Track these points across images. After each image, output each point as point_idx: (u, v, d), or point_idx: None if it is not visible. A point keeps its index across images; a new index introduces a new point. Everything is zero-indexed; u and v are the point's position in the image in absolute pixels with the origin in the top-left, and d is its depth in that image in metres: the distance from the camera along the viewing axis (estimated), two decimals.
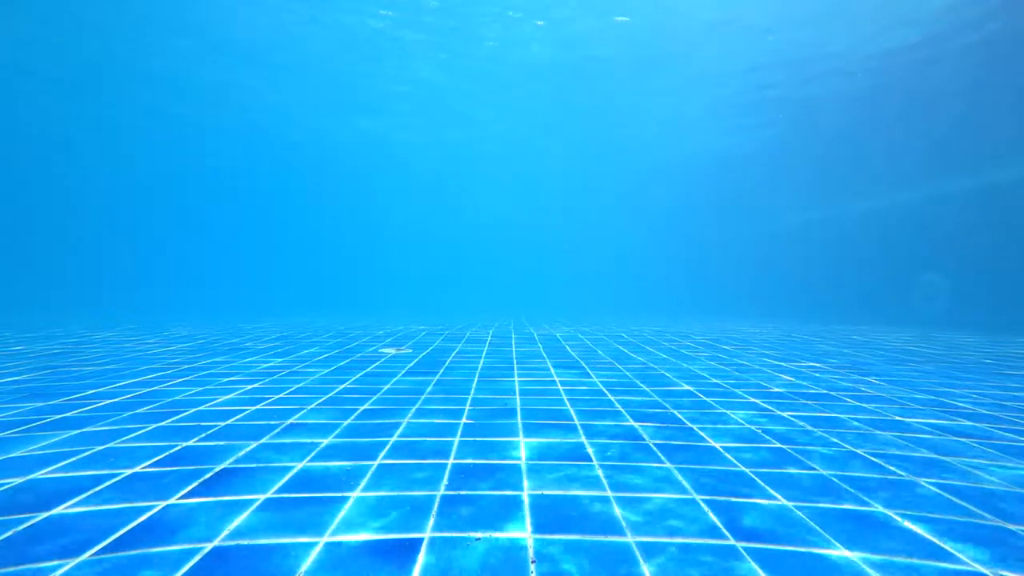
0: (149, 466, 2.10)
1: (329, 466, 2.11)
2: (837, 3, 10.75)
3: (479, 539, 1.50)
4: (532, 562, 1.38)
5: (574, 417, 2.92)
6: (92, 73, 14.71)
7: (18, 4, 11.20)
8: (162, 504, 1.74)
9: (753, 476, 2.03)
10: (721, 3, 11.11)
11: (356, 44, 13.22)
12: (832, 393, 3.65)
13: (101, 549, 1.44)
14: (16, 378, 4.06)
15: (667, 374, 4.42)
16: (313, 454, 2.26)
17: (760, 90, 15.10)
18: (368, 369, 4.61)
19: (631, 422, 2.82)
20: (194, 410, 3.04)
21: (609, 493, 1.85)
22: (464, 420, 2.85)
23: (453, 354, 5.69)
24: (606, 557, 1.41)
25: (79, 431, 2.60)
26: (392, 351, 5.92)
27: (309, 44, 13.15)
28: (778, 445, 2.43)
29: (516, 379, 4.12)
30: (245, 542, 1.48)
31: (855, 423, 2.84)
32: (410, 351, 5.94)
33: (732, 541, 1.51)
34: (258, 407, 3.12)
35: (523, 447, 2.37)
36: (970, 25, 10.77)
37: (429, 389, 3.70)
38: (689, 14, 11.54)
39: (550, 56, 13.58)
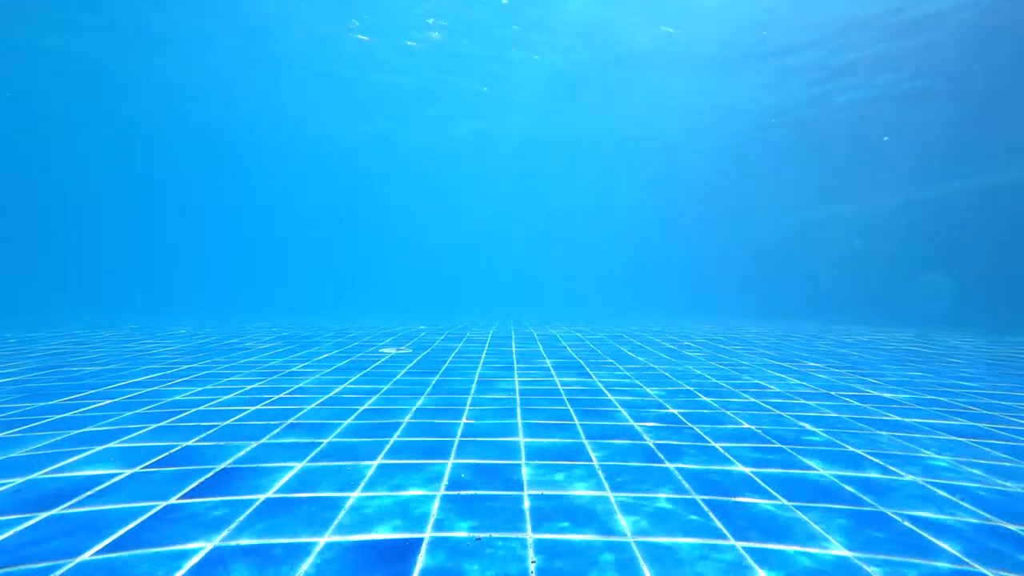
0: (149, 466, 2.10)
1: (330, 466, 2.12)
2: (836, 4, 10.75)
3: (479, 539, 1.50)
4: (532, 562, 1.38)
5: (574, 417, 2.92)
6: (93, 71, 14.72)
7: (18, 5, 11.21)
8: (162, 504, 1.74)
9: (753, 476, 2.03)
10: (724, 2, 11.12)
11: (356, 43, 13.22)
12: (832, 393, 3.65)
13: (101, 549, 1.44)
14: (17, 377, 4.06)
15: (667, 374, 4.43)
16: (313, 454, 2.26)
17: (761, 88, 15.10)
18: (368, 369, 4.61)
19: (631, 422, 2.82)
20: (194, 410, 3.04)
21: (609, 493, 1.85)
22: (464, 420, 2.85)
23: (453, 354, 5.69)
24: (606, 557, 1.41)
25: (79, 431, 2.60)
26: (392, 351, 5.92)
27: (309, 42, 13.15)
28: (778, 445, 2.43)
29: (516, 379, 4.13)
30: (245, 542, 1.49)
31: (855, 423, 2.84)
32: (410, 351, 5.94)
33: (732, 541, 1.51)
34: (258, 407, 3.12)
35: (523, 447, 2.37)
36: (973, 19, 10.77)
37: (429, 389, 3.70)
38: (695, 8, 11.54)
39: (556, 57, 13.58)
